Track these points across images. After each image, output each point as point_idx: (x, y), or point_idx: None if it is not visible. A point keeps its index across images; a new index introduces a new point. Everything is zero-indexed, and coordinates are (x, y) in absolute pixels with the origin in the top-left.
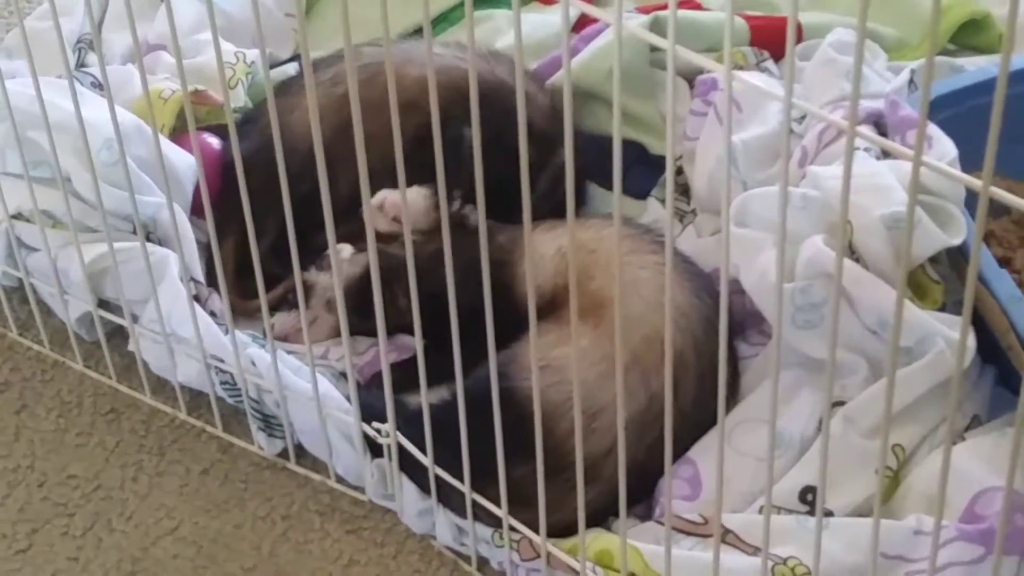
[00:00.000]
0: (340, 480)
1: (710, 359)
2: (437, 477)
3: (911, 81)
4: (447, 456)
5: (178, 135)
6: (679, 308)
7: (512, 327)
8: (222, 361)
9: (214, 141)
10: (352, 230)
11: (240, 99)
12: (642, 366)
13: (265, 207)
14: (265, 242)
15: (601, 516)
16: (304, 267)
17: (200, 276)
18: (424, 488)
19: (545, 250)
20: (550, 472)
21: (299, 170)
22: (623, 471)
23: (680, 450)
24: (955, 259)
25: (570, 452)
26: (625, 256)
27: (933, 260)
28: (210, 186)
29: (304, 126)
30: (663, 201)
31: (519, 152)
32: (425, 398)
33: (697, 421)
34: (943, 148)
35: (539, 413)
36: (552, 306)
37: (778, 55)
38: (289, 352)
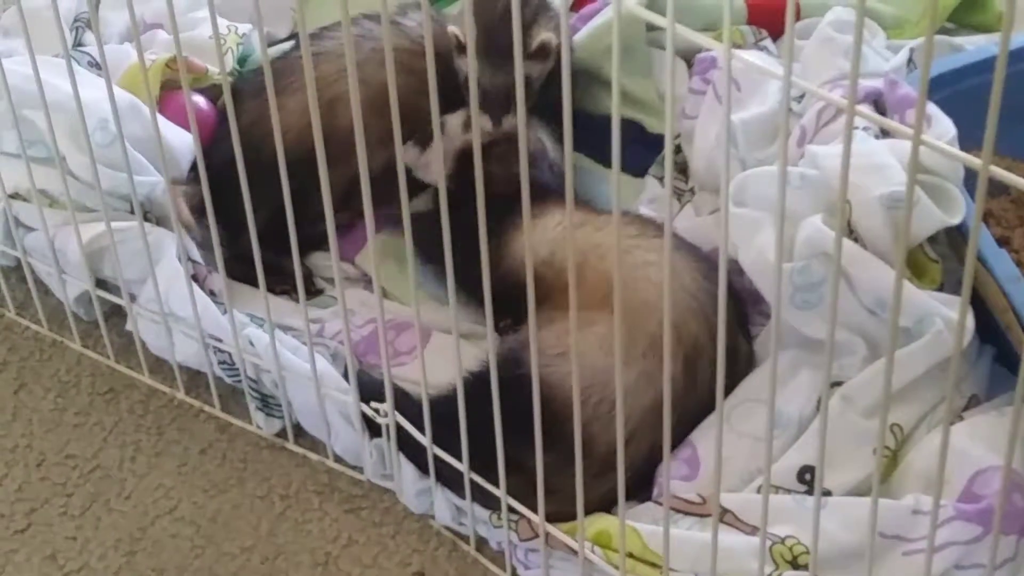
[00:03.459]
0: (338, 460)
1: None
2: (437, 458)
3: (910, 60)
4: (450, 438)
5: (164, 95)
6: (689, 291)
7: (519, 306)
8: (220, 341)
9: (204, 104)
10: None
11: (229, 66)
12: (660, 351)
13: (253, 200)
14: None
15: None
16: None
17: (197, 256)
18: (423, 468)
19: (550, 228)
20: (572, 460)
21: (289, 170)
22: (621, 451)
23: None
24: (954, 239)
25: (590, 439)
26: (632, 240)
27: (932, 240)
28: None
29: (287, 131)
30: (661, 179)
31: None
32: (424, 386)
33: (714, 404)
34: (942, 127)
35: (537, 393)
36: (563, 288)
37: (776, 34)
38: (287, 331)
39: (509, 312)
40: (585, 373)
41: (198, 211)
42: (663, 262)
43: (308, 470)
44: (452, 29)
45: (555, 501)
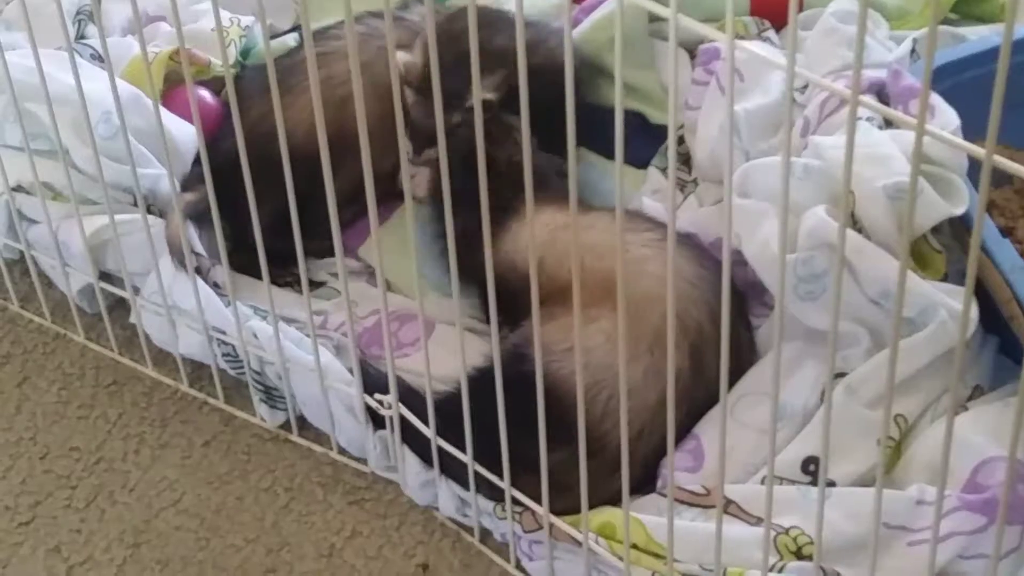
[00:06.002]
0: (342, 452)
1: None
2: (441, 449)
3: (913, 50)
4: (455, 431)
5: (169, 90)
6: (688, 280)
7: (512, 309)
8: (224, 333)
9: (209, 96)
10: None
11: (232, 59)
12: (665, 344)
13: (258, 197)
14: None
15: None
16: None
17: (200, 248)
18: (427, 460)
19: (538, 230)
20: (586, 456)
21: (298, 167)
22: (626, 442)
23: None
24: (957, 229)
25: (602, 436)
26: (624, 235)
27: (935, 230)
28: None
29: (299, 127)
30: (663, 170)
31: None
32: (428, 378)
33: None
34: (945, 118)
35: (541, 384)
36: (564, 289)
37: (779, 24)
38: (290, 323)
39: (501, 313)
40: (593, 369)
41: (199, 216)
42: (665, 254)
43: (312, 462)
44: (402, 56)
45: (570, 498)
